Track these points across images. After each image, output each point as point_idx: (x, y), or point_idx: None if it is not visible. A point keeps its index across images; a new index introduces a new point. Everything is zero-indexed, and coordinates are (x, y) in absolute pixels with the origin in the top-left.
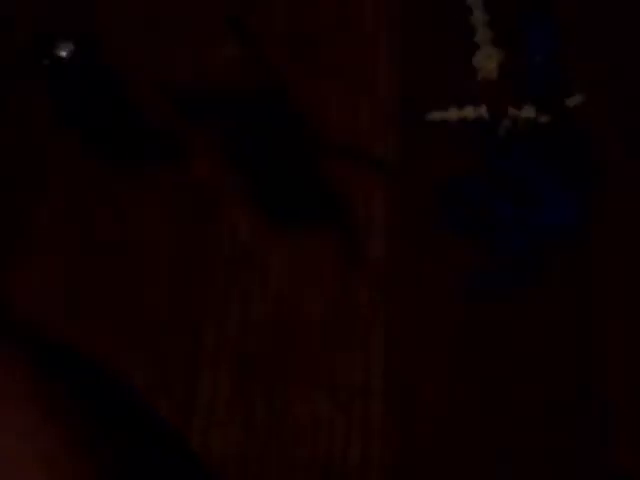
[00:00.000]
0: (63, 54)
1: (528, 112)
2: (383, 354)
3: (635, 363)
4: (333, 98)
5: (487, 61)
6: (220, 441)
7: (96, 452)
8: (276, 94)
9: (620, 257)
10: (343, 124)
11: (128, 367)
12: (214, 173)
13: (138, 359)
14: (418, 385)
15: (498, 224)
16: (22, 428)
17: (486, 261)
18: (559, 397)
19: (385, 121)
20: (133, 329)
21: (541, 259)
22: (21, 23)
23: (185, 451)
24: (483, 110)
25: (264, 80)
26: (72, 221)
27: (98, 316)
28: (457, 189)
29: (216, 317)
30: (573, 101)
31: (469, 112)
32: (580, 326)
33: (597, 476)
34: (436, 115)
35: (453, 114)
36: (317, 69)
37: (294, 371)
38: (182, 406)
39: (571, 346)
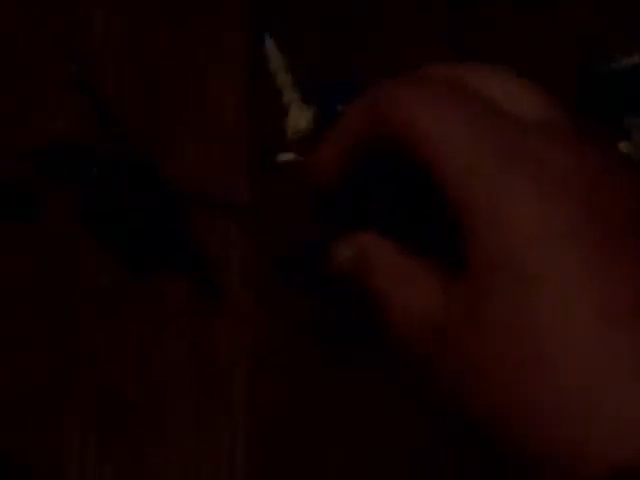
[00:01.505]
0: None
1: None
2: (246, 399)
3: None
4: (185, 147)
5: (297, 120)
6: None
7: None
8: (124, 145)
9: None
10: (196, 172)
11: None
12: (71, 225)
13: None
14: (285, 430)
15: None
16: None
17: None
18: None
19: (238, 165)
20: None
21: None
22: None
23: None
24: None
25: (114, 132)
26: None
27: None
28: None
29: (82, 363)
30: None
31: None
32: None
33: None
34: (286, 156)
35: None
36: (168, 119)
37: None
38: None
39: None
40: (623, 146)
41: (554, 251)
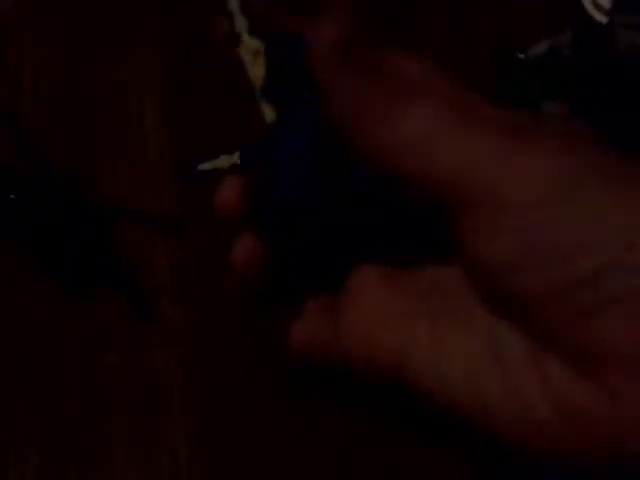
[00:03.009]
0: None
1: None
2: (184, 418)
3: None
4: (107, 163)
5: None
6: None
7: None
8: (44, 165)
9: None
10: (119, 188)
11: None
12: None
13: None
14: (225, 446)
15: None
16: None
17: None
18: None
19: (160, 178)
20: None
21: None
22: None
23: None
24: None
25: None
26: None
27: None
28: None
29: (23, 390)
30: None
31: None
32: None
33: None
34: (207, 165)
35: (223, 161)
36: (88, 136)
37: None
38: None
39: None
40: None
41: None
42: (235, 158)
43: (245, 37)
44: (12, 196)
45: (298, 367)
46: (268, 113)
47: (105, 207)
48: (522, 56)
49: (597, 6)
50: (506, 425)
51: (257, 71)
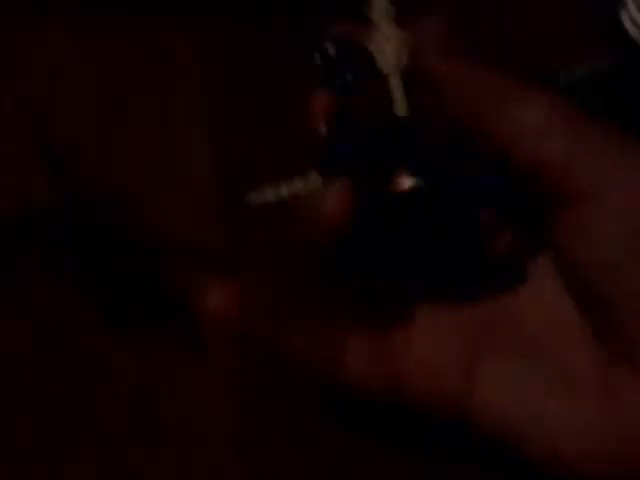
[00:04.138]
0: None
1: None
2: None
3: None
4: (157, 197)
5: (386, 44)
6: None
7: None
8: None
9: None
10: (170, 222)
11: None
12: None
13: None
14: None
15: None
16: None
17: None
18: None
19: (209, 213)
20: None
21: None
22: None
23: None
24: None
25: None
26: None
27: None
28: None
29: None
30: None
31: (298, 185)
32: None
33: None
34: (255, 197)
35: (271, 193)
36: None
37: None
38: None
39: None
40: None
41: None
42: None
43: (383, 26)
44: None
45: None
46: (400, 107)
47: (154, 240)
48: (562, 79)
49: (638, 25)
50: (567, 452)
51: (388, 62)
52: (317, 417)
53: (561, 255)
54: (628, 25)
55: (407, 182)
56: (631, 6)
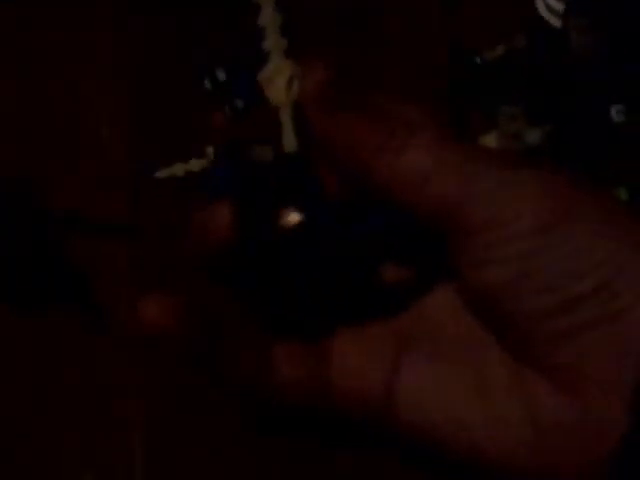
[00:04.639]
0: None
1: None
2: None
3: None
4: (58, 174)
5: (277, 76)
6: None
7: None
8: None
9: None
10: (74, 195)
11: None
12: None
13: None
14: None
15: None
16: None
17: None
18: None
19: (116, 185)
20: None
21: None
22: None
23: None
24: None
25: None
26: None
27: None
28: None
29: None
30: None
31: (194, 165)
32: None
33: None
34: (164, 172)
35: (179, 168)
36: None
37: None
38: None
39: None
40: (492, 136)
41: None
42: (191, 165)
43: (275, 58)
44: None
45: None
46: (288, 142)
47: (57, 216)
48: (478, 60)
49: (551, 10)
50: (488, 449)
51: (278, 94)
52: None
53: (461, 278)
54: (542, 9)
55: (293, 217)
56: None
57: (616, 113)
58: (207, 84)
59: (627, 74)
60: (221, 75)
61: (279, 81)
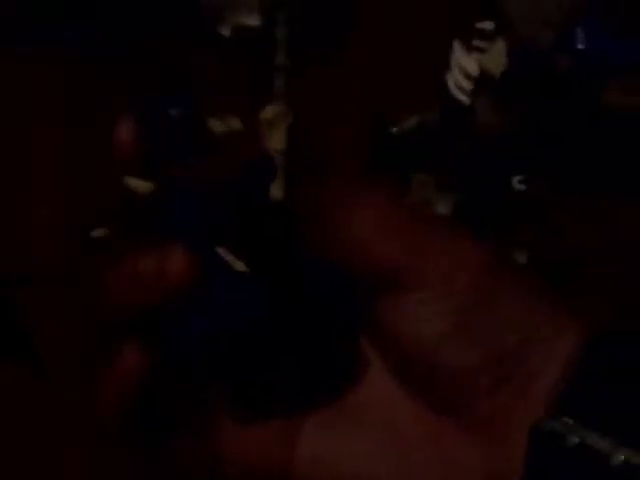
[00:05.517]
0: None
1: None
2: None
3: None
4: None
5: (278, 120)
6: None
7: None
8: None
9: None
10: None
11: None
12: None
13: None
14: None
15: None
16: None
17: None
18: None
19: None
20: None
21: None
22: None
23: None
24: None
25: None
26: None
27: None
28: None
29: None
30: None
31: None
32: None
33: None
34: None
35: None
36: None
37: None
38: None
39: None
40: (407, 199)
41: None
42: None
43: (280, 100)
44: None
45: None
46: (277, 190)
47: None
48: (394, 130)
49: (460, 88)
50: None
51: (279, 140)
52: None
53: (387, 334)
54: (451, 86)
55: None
56: (454, 71)
57: (517, 182)
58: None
59: (527, 148)
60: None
61: (281, 125)
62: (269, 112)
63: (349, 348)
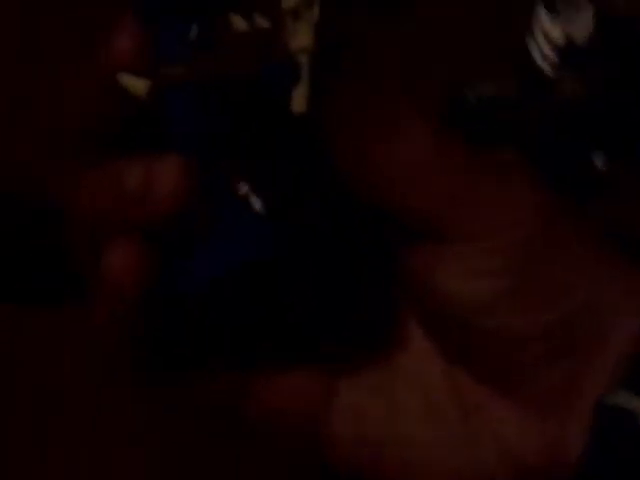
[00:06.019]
0: None
1: None
2: None
3: None
4: None
5: (305, 11)
6: None
7: None
8: None
9: None
10: None
11: None
12: None
13: None
14: None
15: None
16: None
17: None
18: None
19: None
20: None
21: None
22: None
23: None
24: None
25: None
26: None
27: None
28: None
29: None
30: None
31: None
32: None
33: None
34: None
35: None
36: None
37: None
38: None
39: None
40: None
41: None
42: None
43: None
44: None
45: None
46: (299, 101)
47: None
48: (470, 96)
49: (546, 58)
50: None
51: (304, 36)
52: None
53: (432, 295)
54: (536, 55)
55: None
56: (539, 38)
57: (598, 159)
58: None
59: (610, 123)
60: None
61: (308, 18)
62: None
63: (380, 302)
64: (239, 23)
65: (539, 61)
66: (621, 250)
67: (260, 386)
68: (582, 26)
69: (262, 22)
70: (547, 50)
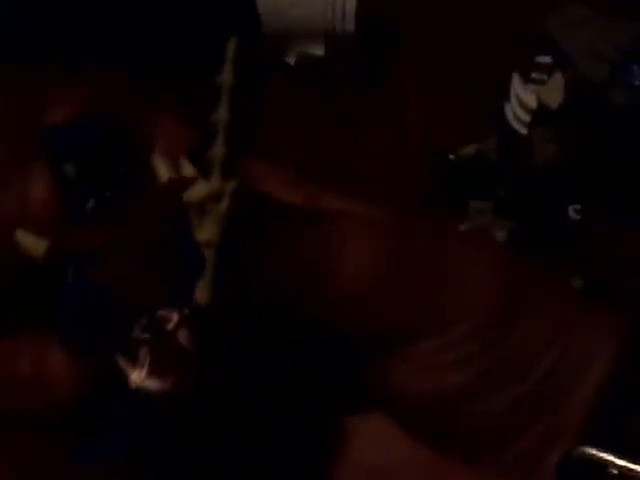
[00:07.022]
0: None
1: None
2: None
3: None
4: None
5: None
6: None
7: None
8: None
9: None
10: None
11: None
12: None
13: None
14: None
15: None
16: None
17: None
18: None
19: None
20: None
21: None
22: None
23: None
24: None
25: None
26: None
27: None
28: None
29: None
30: None
31: None
32: None
33: None
34: None
35: None
36: None
37: None
38: None
39: None
40: (464, 227)
41: None
42: None
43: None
44: None
45: None
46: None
47: None
48: (452, 157)
49: (518, 119)
50: None
51: (204, 235)
52: None
53: (393, 392)
54: (510, 117)
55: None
56: (513, 102)
57: (573, 212)
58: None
59: (583, 178)
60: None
61: (214, 211)
62: (196, 192)
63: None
64: (161, 168)
65: (512, 122)
66: (593, 296)
67: None
68: (554, 92)
69: (189, 170)
70: (520, 112)
